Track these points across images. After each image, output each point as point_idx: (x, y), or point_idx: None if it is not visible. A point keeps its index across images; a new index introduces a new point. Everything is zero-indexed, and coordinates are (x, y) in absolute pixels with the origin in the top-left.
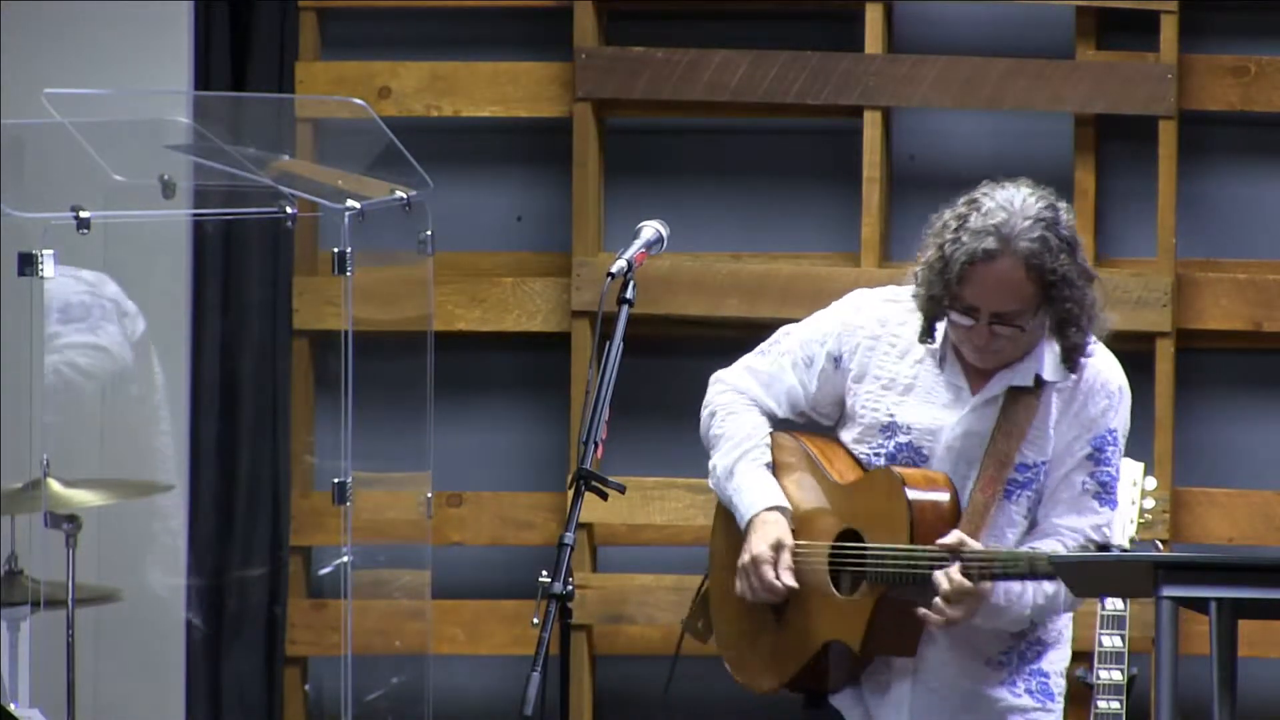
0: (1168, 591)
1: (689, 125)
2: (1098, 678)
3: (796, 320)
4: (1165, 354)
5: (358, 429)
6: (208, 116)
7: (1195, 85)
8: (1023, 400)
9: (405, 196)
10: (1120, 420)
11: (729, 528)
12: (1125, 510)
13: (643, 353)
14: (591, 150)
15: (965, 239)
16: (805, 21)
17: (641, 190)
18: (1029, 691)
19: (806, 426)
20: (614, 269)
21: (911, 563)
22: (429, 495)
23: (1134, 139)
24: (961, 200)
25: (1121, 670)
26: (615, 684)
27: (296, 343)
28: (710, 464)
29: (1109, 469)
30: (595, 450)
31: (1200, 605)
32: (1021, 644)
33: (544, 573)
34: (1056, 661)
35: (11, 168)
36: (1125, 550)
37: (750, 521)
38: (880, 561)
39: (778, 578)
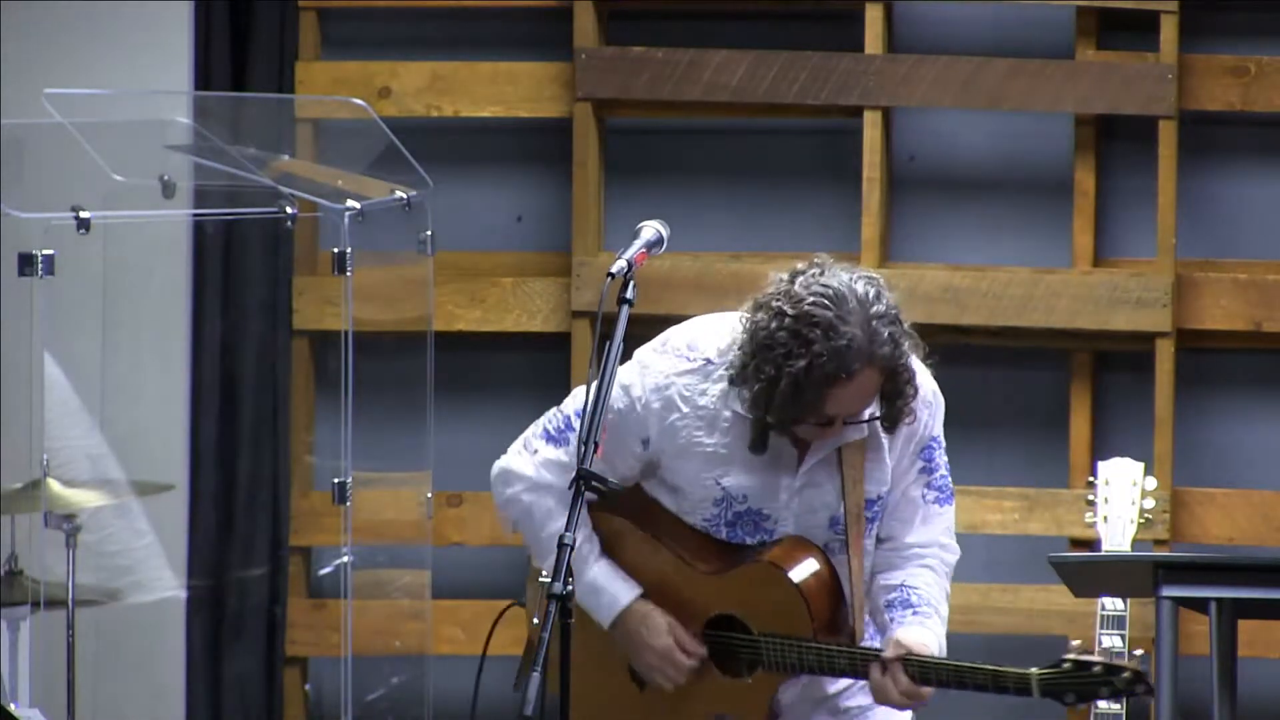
0: (1168, 591)
1: (689, 125)
2: None
3: None
4: (1165, 354)
5: (358, 429)
6: (208, 116)
7: (1195, 85)
8: (853, 447)
9: (405, 196)
10: (938, 425)
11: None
12: (1125, 510)
13: None
14: (591, 150)
15: (819, 364)
16: (805, 21)
17: (641, 190)
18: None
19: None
20: (614, 269)
21: (826, 658)
22: (429, 495)
23: (1134, 139)
24: (782, 306)
25: None
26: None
27: (296, 343)
28: (543, 564)
29: (940, 473)
30: (595, 450)
31: (1200, 605)
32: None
33: (544, 572)
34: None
35: (11, 168)
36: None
37: (619, 620)
38: (783, 654)
39: (691, 653)
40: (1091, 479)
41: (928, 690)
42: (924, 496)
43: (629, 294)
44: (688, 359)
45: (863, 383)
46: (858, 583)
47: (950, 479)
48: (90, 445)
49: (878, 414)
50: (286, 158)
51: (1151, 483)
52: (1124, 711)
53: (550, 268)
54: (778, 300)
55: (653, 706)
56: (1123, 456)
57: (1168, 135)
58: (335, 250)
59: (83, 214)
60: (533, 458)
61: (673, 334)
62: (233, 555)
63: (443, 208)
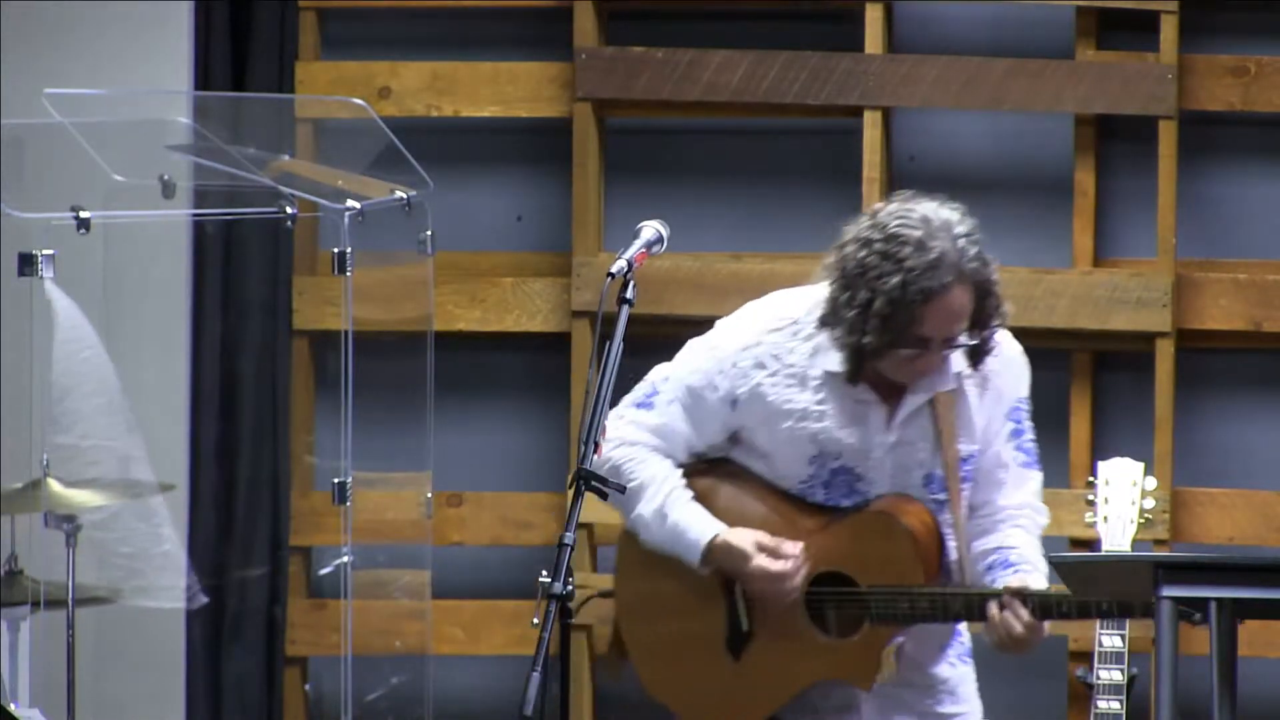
0: (1168, 591)
1: (689, 125)
2: (1098, 678)
3: None
4: (1165, 354)
5: (358, 429)
6: (208, 116)
7: (1195, 85)
8: (945, 400)
9: (405, 196)
10: (1026, 387)
11: (650, 574)
12: (1125, 510)
13: (643, 353)
14: (591, 150)
15: (912, 279)
16: (805, 21)
17: (641, 190)
18: (958, 657)
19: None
20: (614, 269)
21: (940, 603)
22: (429, 495)
23: (1134, 139)
24: (870, 235)
25: (1121, 670)
26: (615, 684)
27: (296, 343)
28: (633, 515)
29: (1029, 435)
30: (595, 450)
31: (1200, 605)
32: (940, 654)
33: (544, 573)
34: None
35: (11, 168)
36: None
37: (707, 552)
38: (893, 604)
39: (787, 556)
40: (1091, 479)
41: (1046, 625)
42: (1015, 459)
43: (629, 294)
44: (775, 320)
45: (955, 299)
46: (961, 539)
47: (1036, 444)
48: (123, 446)
49: (970, 342)
50: (286, 158)
51: (1151, 483)
52: (1124, 711)
53: (550, 268)
54: (864, 231)
55: (749, 678)
56: (1123, 456)
57: (1168, 135)
58: (335, 250)
59: (83, 214)
60: (621, 421)
61: (754, 303)
62: (233, 555)
63: (443, 208)
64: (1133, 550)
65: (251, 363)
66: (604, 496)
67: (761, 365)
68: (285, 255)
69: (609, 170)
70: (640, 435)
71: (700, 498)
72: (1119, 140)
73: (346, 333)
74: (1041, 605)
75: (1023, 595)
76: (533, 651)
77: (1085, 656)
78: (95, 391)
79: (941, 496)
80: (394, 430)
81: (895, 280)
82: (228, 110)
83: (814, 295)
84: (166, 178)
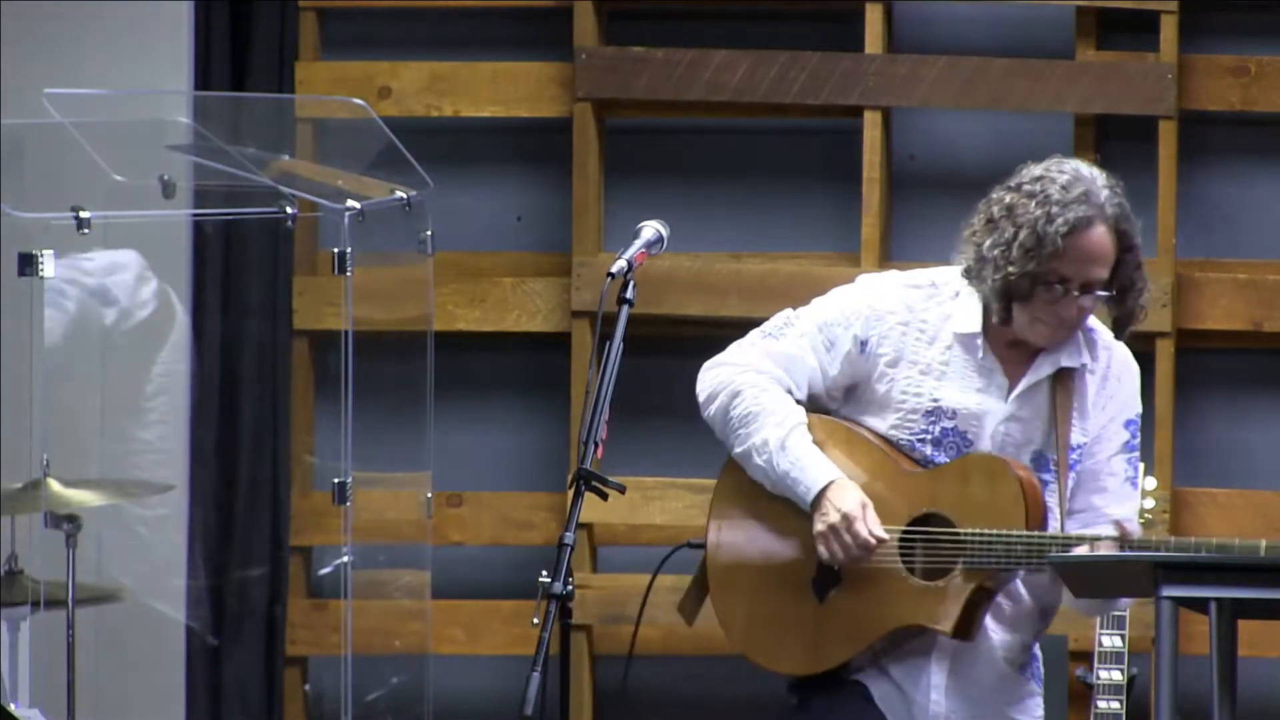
0: (1168, 591)
1: (689, 125)
2: (1098, 678)
3: None
4: (1165, 354)
5: (358, 429)
6: (208, 116)
7: (1195, 85)
8: (1066, 383)
9: (405, 196)
10: (1139, 403)
11: (748, 510)
12: None
13: (643, 353)
14: (591, 150)
15: (1057, 211)
16: (805, 21)
17: (641, 190)
18: (1033, 678)
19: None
20: (614, 269)
21: (1036, 547)
22: (429, 495)
23: (1134, 139)
24: (1019, 181)
25: (1121, 670)
26: (615, 684)
27: (296, 343)
28: (755, 439)
29: (1138, 454)
30: (595, 450)
31: (1200, 605)
32: (1045, 625)
33: (544, 573)
34: (1037, 644)
35: (11, 168)
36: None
37: (823, 493)
38: (988, 548)
39: (870, 533)
40: None
41: None
42: (1125, 473)
43: (629, 294)
44: (915, 279)
45: (1098, 237)
46: (1064, 517)
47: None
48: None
49: (1110, 294)
50: (286, 158)
51: (1151, 483)
52: (1124, 711)
53: (550, 268)
54: (1011, 181)
55: (831, 621)
56: None
57: (1168, 135)
58: (335, 250)
59: (83, 214)
60: (750, 348)
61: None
62: (233, 555)
63: (443, 208)
64: None
65: (251, 363)
66: (604, 496)
67: (893, 311)
68: (285, 255)
69: (609, 170)
70: (764, 363)
71: (819, 444)
72: (1119, 140)
73: (346, 333)
74: (1140, 546)
75: (1118, 539)
76: (533, 651)
77: (1085, 656)
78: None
79: (1048, 478)
80: (394, 430)
81: (1040, 212)
82: (228, 110)
83: (954, 269)
84: (166, 178)
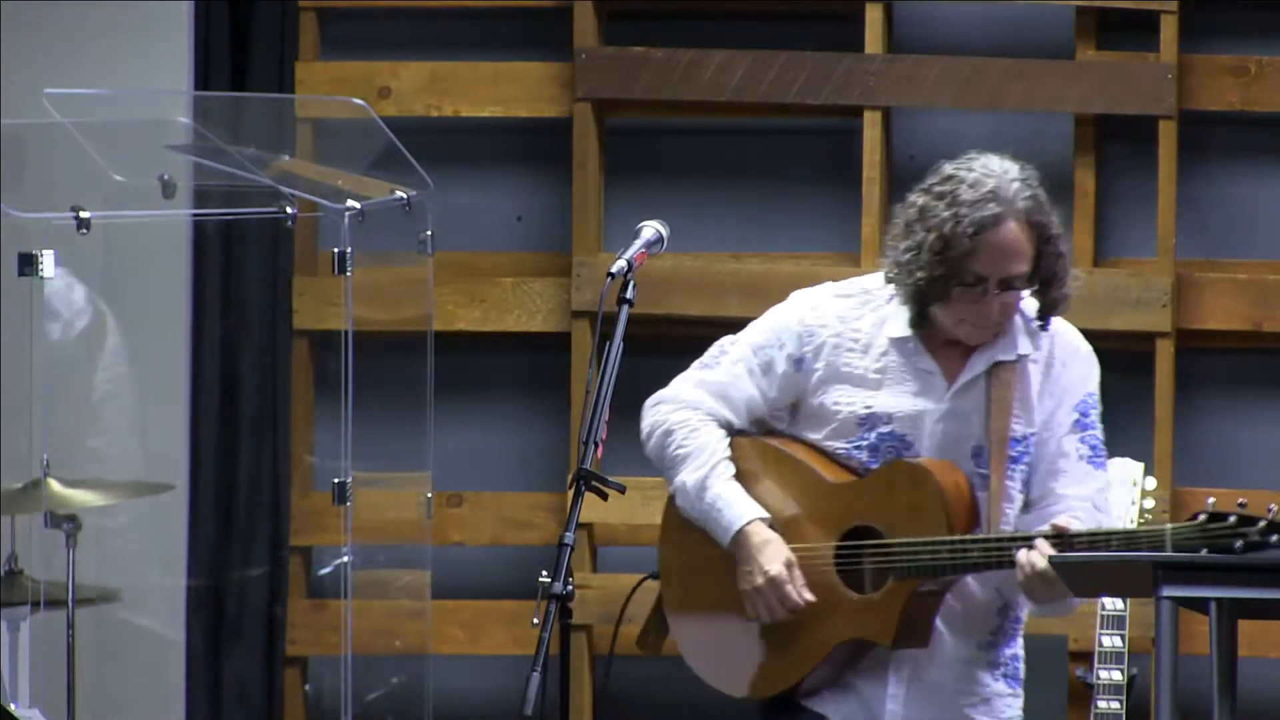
0: (1168, 591)
1: (689, 125)
2: (1098, 678)
3: None
4: (1165, 354)
5: (358, 429)
6: (208, 116)
7: (1195, 85)
8: (1002, 376)
9: (405, 196)
10: (1095, 383)
11: (688, 539)
12: (1125, 510)
13: (643, 353)
14: (591, 150)
15: (965, 212)
16: (805, 21)
17: (641, 190)
18: (1005, 677)
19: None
20: (614, 269)
21: (960, 553)
22: (429, 495)
23: (1134, 139)
24: (930, 183)
25: (1121, 670)
26: (615, 684)
27: (296, 343)
28: (676, 482)
29: (1095, 432)
30: (595, 450)
31: (1200, 605)
32: (1005, 622)
33: (544, 573)
34: (1020, 644)
35: (11, 168)
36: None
37: (739, 536)
38: (915, 556)
39: (799, 596)
40: None
41: (1057, 587)
42: (1079, 452)
43: (629, 294)
44: (845, 288)
45: (1009, 233)
46: (995, 511)
47: (1104, 445)
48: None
49: (1031, 288)
50: (286, 158)
51: (1151, 483)
52: (1124, 711)
53: (550, 268)
54: (925, 182)
55: (777, 640)
56: (1123, 457)
57: (1168, 135)
58: (335, 250)
59: (83, 214)
60: (685, 382)
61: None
62: (233, 555)
63: (443, 208)
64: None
65: (251, 363)
66: (604, 496)
67: (825, 325)
68: (285, 255)
69: (609, 170)
70: (700, 397)
71: (743, 471)
72: (1119, 140)
73: (346, 333)
74: (1059, 546)
75: (1047, 536)
76: (533, 651)
77: (1085, 656)
78: (123, 397)
79: (985, 471)
80: (394, 430)
81: (948, 214)
82: (228, 110)
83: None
84: (166, 178)
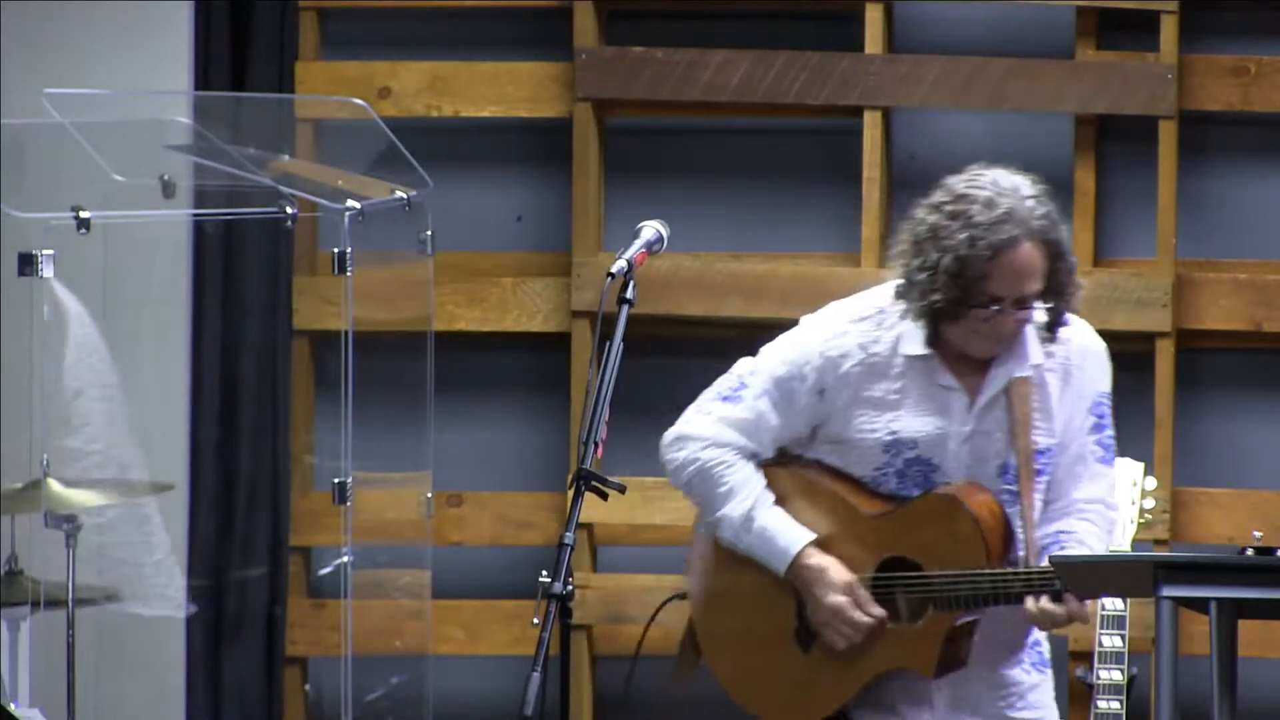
0: (1168, 591)
1: (689, 125)
2: (1098, 678)
3: (795, 321)
4: (1165, 354)
5: (358, 429)
6: (208, 116)
7: (1195, 85)
8: (1020, 389)
9: (405, 196)
10: (1109, 379)
11: (722, 569)
12: (1125, 510)
13: (643, 353)
14: (591, 150)
15: (980, 234)
16: (805, 21)
17: (641, 190)
18: (1033, 665)
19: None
20: (614, 269)
21: (1001, 584)
22: (429, 495)
23: (1134, 139)
24: (940, 200)
25: (1121, 670)
26: (615, 684)
27: (296, 343)
28: (718, 515)
29: (1109, 430)
30: (595, 450)
31: (1200, 605)
32: (1027, 625)
33: (544, 573)
34: (1036, 629)
35: (11, 168)
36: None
37: (794, 566)
38: (955, 588)
39: (865, 616)
40: None
41: (1087, 603)
42: (1093, 454)
43: (629, 294)
44: (860, 309)
45: (1024, 254)
46: (1030, 532)
47: (1114, 439)
48: (122, 452)
49: (1045, 305)
50: (286, 158)
51: (1151, 483)
52: (1124, 711)
53: (550, 268)
54: (934, 198)
55: (819, 670)
56: (1123, 456)
57: (1168, 135)
58: (335, 250)
59: (83, 214)
60: (708, 418)
61: (839, 300)
62: (233, 555)
63: (443, 208)
64: (1133, 550)
65: (251, 363)
66: (604, 496)
67: (847, 354)
68: (285, 255)
69: (609, 170)
70: (728, 434)
71: (771, 488)
72: (1119, 140)
73: (346, 333)
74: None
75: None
76: (533, 651)
77: (1085, 656)
78: (102, 396)
79: (1014, 488)
80: (394, 430)
81: (963, 236)
82: (228, 110)
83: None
84: (166, 178)
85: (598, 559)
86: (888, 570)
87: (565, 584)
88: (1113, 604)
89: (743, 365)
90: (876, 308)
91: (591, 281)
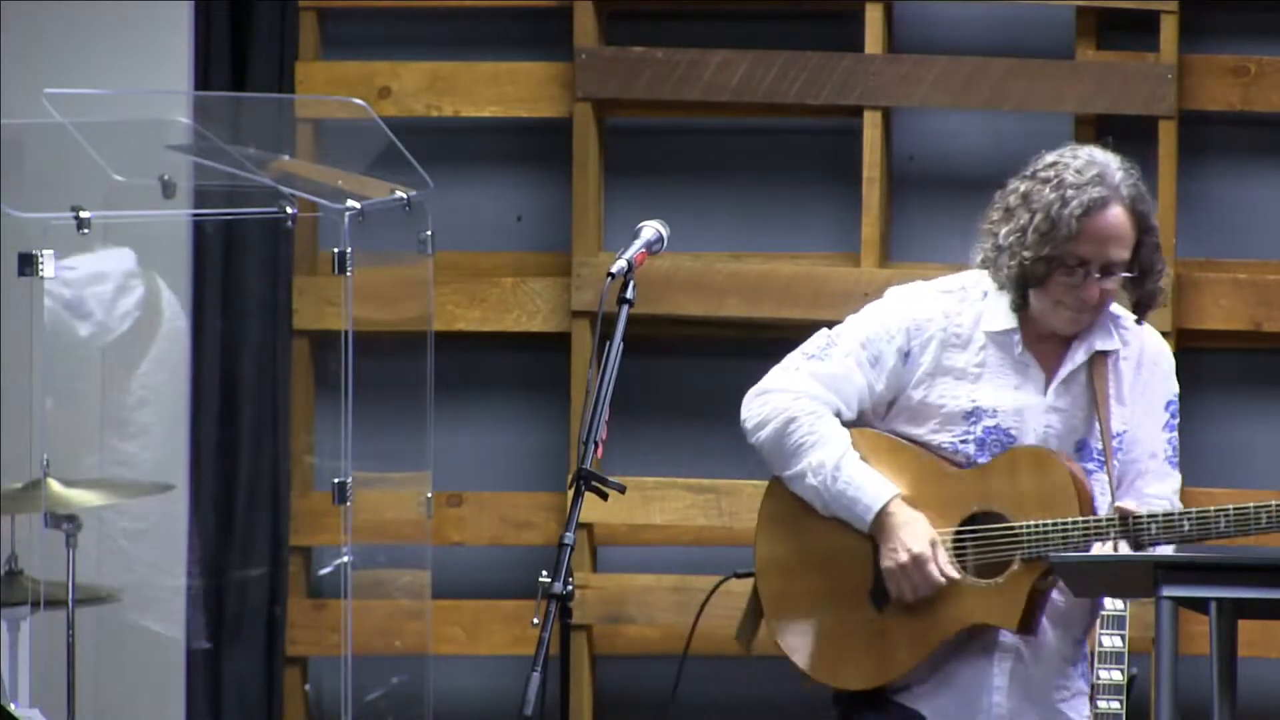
0: (1168, 591)
1: (689, 125)
2: (1098, 678)
3: (795, 320)
4: None
5: (358, 429)
6: (208, 116)
7: (1195, 85)
8: (1099, 368)
9: (405, 196)
10: (1175, 384)
11: (792, 530)
12: None
13: (643, 353)
14: (591, 150)
15: (1072, 194)
16: (805, 21)
17: (641, 190)
18: (1082, 675)
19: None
20: (614, 269)
21: (1095, 530)
22: (429, 495)
23: (1134, 139)
24: (1033, 169)
25: (1121, 670)
26: (615, 684)
27: (296, 343)
28: (802, 465)
29: (1176, 434)
30: (595, 450)
31: (1200, 605)
32: (1093, 618)
33: (544, 573)
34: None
35: (11, 168)
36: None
37: (881, 515)
38: (1045, 539)
39: (942, 572)
40: None
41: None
42: (1165, 454)
43: (629, 294)
44: (945, 284)
45: (1114, 217)
46: (1113, 499)
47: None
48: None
49: (1131, 274)
50: (286, 158)
51: None
52: (1124, 711)
53: (550, 268)
54: (1026, 170)
55: (893, 629)
56: None
57: (1168, 135)
58: (335, 250)
59: (83, 214)
60: (797, 373)
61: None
62: (233, 555)
63: (443, 208)
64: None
65: (251, 363)
66: (604, 496)
67: (931, 320)
68: (285, 255)
69: (609, 170)
70: (814, 388)
71: (858, 448)
72: (1119, 140)
73: (346, 333)
74: (1165, 525)
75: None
76: (533, 651)
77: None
78: (159, 416)
79: (1091, 466)
80: (394, 430)
81: (1054, 195)
82: (228, 110)
83: (977, 271)
84: (166, 178)
85: (598, 559)
86: (971, 523)
87: (565, 584)
88: (1113, 604)
89: (826, 332)
90: (960, 284)
91: (591, 281)
